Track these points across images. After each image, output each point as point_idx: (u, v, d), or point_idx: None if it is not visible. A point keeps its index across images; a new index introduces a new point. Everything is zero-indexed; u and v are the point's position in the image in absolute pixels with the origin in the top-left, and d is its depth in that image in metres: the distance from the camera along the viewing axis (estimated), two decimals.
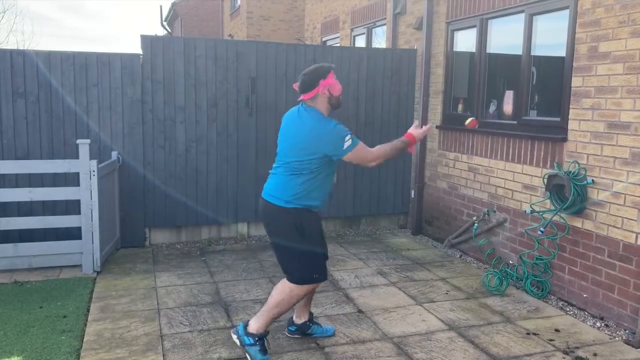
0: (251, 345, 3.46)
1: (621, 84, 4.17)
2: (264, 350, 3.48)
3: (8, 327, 4.00)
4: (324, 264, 3.55)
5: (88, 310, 4.35)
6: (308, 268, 3.47)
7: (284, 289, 3.47)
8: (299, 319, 3.90)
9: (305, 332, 3.91)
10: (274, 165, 3.57)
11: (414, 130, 3.70)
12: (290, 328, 3.94)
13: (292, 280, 3.47)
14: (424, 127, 3.75)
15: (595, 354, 3.78)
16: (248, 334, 3.49)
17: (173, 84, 6.08)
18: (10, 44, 22.78)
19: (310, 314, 3.95)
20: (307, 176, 3.39)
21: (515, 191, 5.34)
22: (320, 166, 3.40)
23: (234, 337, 3.56)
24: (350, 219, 7.15)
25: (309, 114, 3.42)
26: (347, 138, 3.32)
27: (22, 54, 5.64)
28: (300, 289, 3.47)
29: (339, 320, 4.25)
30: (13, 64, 5.57)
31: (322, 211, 3.71)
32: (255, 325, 3.49)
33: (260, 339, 3.49)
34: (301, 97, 3.47)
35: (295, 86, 3.53)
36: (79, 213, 5.16)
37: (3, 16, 29.66)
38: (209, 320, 4.21)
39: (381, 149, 3.52)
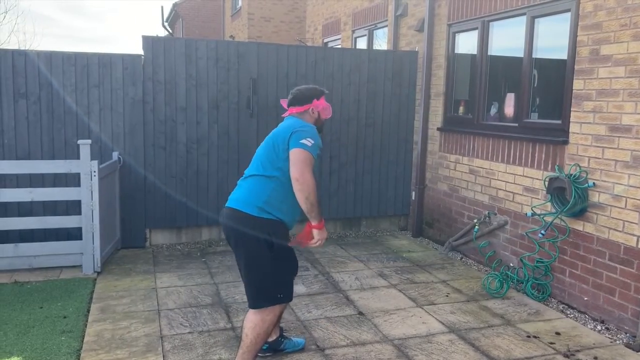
0: None
1: (623, 87, 4.17)
2: None
3: (8, 327, 4.00)
4: (290, 283, 3.30)
5: (88, 311, 4.34)
6: (272, 286, 3.18)
7: (256, 323, 3.18)
8: (270, 337, 3.61)
9: (277, 349, 3.69)
10: (244, 175, 3.34)
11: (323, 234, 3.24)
12: (262, 347, 3.44)
13: (255, 305, 3.18)
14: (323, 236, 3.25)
15: (595, 357, 3.77)
16: None
17: (174, 85, 6.09)
18: (12, 44, 22.80)
19: (280, 328, 3.73)
20: (277, 182, 3.16)
21: (516, 194, 5.34)
22: (285, 170, 3.14)
23: None
24: (351, 221, 7.15)
25: (294, 119, 3.33)
26: (310, 139, 3.10)
27: (24, 54, 5.64)
28: (270, 314, 3.19)
29: (340, 322, 4.25)
30: (15, 64, 5.57)
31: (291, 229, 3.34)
32: None
33: None
34: (288, 112, 3.38)
35: (283, 102, 3.45)
36: (80, 213, 5.16)
37: (5, 16, 29.62)
38: (209, 322, 4.21)
39: (315, 187, 3.10)
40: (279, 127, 3.33)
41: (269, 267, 3.17)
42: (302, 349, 3.78)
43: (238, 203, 3.22)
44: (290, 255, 3.30)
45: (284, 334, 3.81)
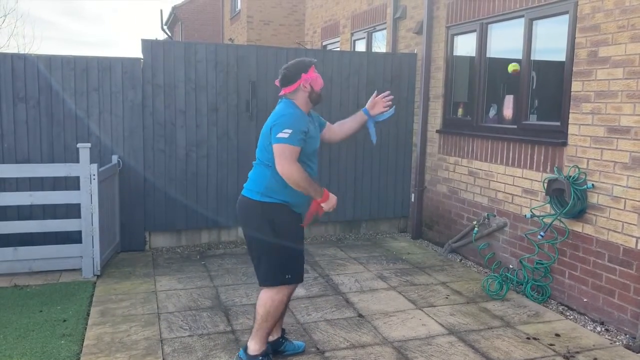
0: None
1: (621, 89, 4.18)
2: None
3: (8, 331, 4.00)
4: (298, 265, 3.40)
5: (88, 314, 4.34)
6: (279, 268, 3.31)
7: (265, 301, 3.34)
8: (272, 336, 3.63)
9: (277, 350, 3.69)
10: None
11: (333, 198, 3.40)
12: None
13: (263, 283, 3.36)
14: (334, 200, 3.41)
15: (595, 359, 3.77)
16: (250, 357, 3.41)
17: (174, 88, 6.10)
18: (12, 48, 22.84)
19: (282, 330, 3.77)
20: (274, 168, 3.25)
21: (516, 195, 5.35)
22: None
23: None
24: (350, 223, 7.15)
25: (284, 105, 3.36)
26: (287, 130, 3.14)
27: (23, 58, 5.65)
28: (279, 294, 3.33)
29: (339, 325, 4.25)
30: (14, 68, 5.58)
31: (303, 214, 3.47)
32: (253, 346, 3.41)
33: (264, 356, 3.42)
34: (282, 92, 3.42)
35: (277, 82, 3.47)
36: (79, 217, 5.16)
37: (4, 20, 29.69)
38: (209, 325, 4.21)
39: (303, 174, 3.20)
40: (272, 113, 3.39)
41: (275, 248, 3.30)
42: (302, 352, 3.78)
43: (245, 190, 3.41)
44: (297, 238, 3.40)
45: (285, 335, 3.81)
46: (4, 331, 3.99)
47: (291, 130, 3.16)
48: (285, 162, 3.16)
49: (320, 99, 3.48)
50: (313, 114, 3.59)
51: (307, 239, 6.82)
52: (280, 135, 3.16)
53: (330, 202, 3.36)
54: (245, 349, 3.45)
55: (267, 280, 3.34)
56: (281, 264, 3.33)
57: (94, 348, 3.77)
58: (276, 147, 3.18)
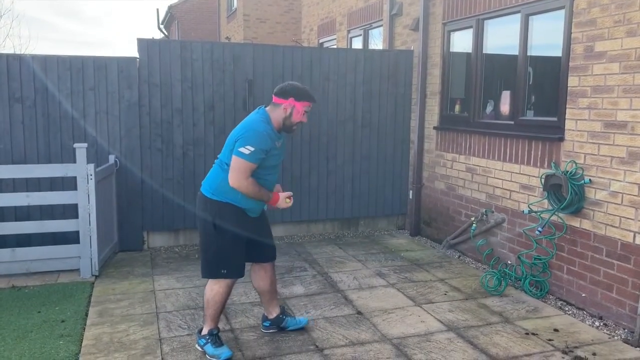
0: (204, 344, 3.66)
1: (617, 84, 4.18)
2: (216, 344, 3.63)
3: (6, 332, 3.99)
4: (235, 261, 3.59)
5: (86, 315, 4.34)
6: (215, 263, 3.56)
7: (207, 290, 3.64)
8: (271, 314, 4.00)
9: (280, 325, 4.00)
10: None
11: (281, 193, 3.67)
12: (264, 324, 4.03)
13: (202, 274, 3.66)
14: (287, 193, 3.68)
15: (594, 354, 3.78)
16: (200, 337, 3.71)
17: (170, 87, 6.08)
18: (7, 48, 22.74)
19: (281, 307, 4.04)
20: (226, 173, 3.46)
21: (513, 191, 5.35)
22: None
23: (197, 347, 3.74)
24: (349, 221, 7.15)
25: (257, 114, 3.53)
26: (249, 147, 3.33)
27: (19, 58, 5.63)
28: (217, 284, 3.59)
29: (338, 322, 4.25)
30: (9, 68, 5.56)
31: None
32: (204, 329, 3.71)
33: (211, 335, 3.66)
34: (273, 100, 3.57)
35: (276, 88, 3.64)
36: (77, 217, 5.15)
37: (0, 20, 29.57)
38: None
39: (250, 187, 3.43)
40: (245, 119, 3.57)
41: (214, 244, 3.54)
42: (303, 328, 4.05)
43: (204, 189, 3.63)
44: (237, 237, 3.56)
45: (285, 311, 4.09)
46: (2, 332, 3.98)
47: (253, 149, 3.35)
48: (238, 176, 3.39)
49: (291, 131, 3.64)
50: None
51: (305, 237, 6.82)
52: (242, 150, 3.35)
53: (281, 203, 3.63)
54: (199, 331, 3.75)
55: (205, 272, 3.65)
56: (219, 259, 3.56)
57: (92, 348, 3.77)
58: (234, 160, 3.38)
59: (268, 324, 4.01)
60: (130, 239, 6.12)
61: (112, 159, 5.88)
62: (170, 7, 24.32)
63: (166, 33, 25.79)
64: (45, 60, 5.67)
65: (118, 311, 4.41)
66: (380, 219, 7.28)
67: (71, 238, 5.30)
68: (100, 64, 5.83)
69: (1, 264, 5.09)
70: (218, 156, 3.63)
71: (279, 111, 3.51)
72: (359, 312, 4.46)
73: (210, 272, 3.61)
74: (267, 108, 3.58)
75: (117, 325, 4.15)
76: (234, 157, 3.37)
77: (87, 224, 5.13)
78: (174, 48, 6.10)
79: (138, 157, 6.03)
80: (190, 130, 6.19)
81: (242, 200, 3.51)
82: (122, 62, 5.90)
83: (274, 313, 3.99)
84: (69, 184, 5.46)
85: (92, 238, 5.16)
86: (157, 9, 24.24)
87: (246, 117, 3.60)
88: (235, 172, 3.38)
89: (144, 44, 6.01)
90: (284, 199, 3.63)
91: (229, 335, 4.00)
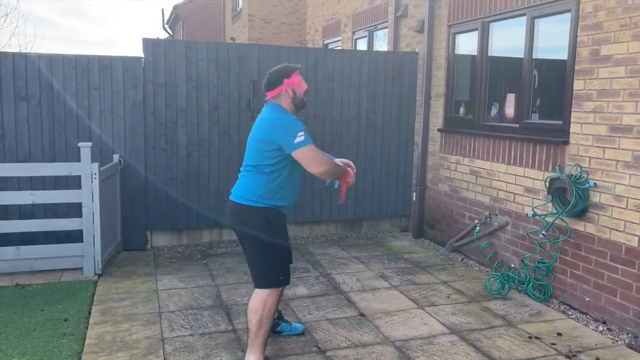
0: None
1: (623, 87, 4.17)
2: None
3: (9, 330, 4.00)
4: (288, 267, 3.49)
5: (89, 314, 4.34)
6: (275, 270, 3.40)
7: (257, 306, 3.37)
8: None
9: (275, 330, 3.91)
10: (241, 168, 3.53)
11: (347, 162, 3.63)
12: None
13: (259, 285, 3.40)
14: (352, 169, 3.62)
15: (597, 358, 3.76)
16: None
17: (175, 87, 6.09)
18: (13, 47, 22.84)
19: (279, 311, 3.96)
20: (269, 176, 3.34)
21: (517, 194, 5.33)
22: (280, 162, 3.32)
23: None
24: (352, 222, 7.15)
25: (271, 109, 3.42)
26: (300, 133, 3.23)
27: (24, 57, 5.65)
28: (271, 297, 3.37)
29: (341, 324, 4.24)
30: (15, 67, 5.58)
31: (289, 216, 3.65)
32: (253, 357, 3.41)
33: None
34: (267, 97, 3.48)
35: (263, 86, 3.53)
36: (81, 216, 5.16)
37: (5, 19, 29.72)
38: (210, 324, 4.20)
39: (332, 162, 3.40)
40: (259, 119, 3.45)
41: (271, 252, 3.39)
42: (301, 334, 3.95)
43: (236, 197, 3.46)
44: (287, 239, 3.49)
45: (283, 316, 4.00)
46: (6, 330, 3.99)
47: (302, 132, 3.25)
48: (317, 164, 3.29)
49: (305, 104, 3.53)
50: None
51: (309, 238, 6.82)
52: (297, 140, 3.22)
53: (352, 177, 3.57)
54: None
55: (262, 283, 3.39)
56: (279, 266, 3.41)
57: (95, 347, 3.77)
58: (300, 153, 3.24)
59: None
60: (133, 238, 6.13)
61: (116, 158, 5.89)
62: (176, 7, 24.36)
63: (171, 33, 25.84)
64: (51, 59, 5.68)
65: (121, 310, 4.42)
66: (383, 220, 7.27)
67: (75, 237, 5.32)
68: (106, 64, 5.84)
69: (5, 262, 5.10)
70: (244, 164, 3.47)
71: (283, 98, 3.42)
72: (362, 314, 4.45)
73: (269, 282, 3.38)
74: (272, 103, 3.47)
75: (120, 324, 4.15)
76: (296, 151, 3.23)
77: (90, 223, 5.14)
78: (179, 48, 6.11)
79: (142, 156, 6.04)
80: (194, 130, 6.20)
81: (284, 199, 3.41)
82: (127, 62, 5.92)
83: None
84: (73, 182, 5.47)
85: (95, 237, 5.17)
86: (162, 9, 24.27)
87: (261, 118, 3.43)
88: (312, 163, 3.26)
89: (149, 44, 6.02)
90: (352, 172, 3.57)
91: (232, 335, 4.00)
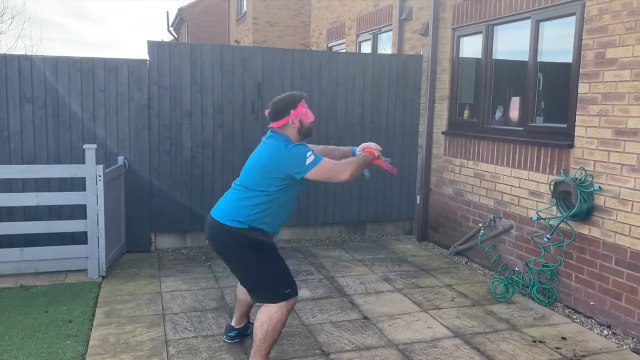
0: None
1: (628, 91, 4.16)
2: None
3: (14, 331, 4.01)
4: (291, 278, 3.41)
5: (93, 315, 4.35)
6: (275, 284, 3.31)
7: (263, 320, 3.27)
8: (239, 323, 3.90)
9: (244, 334, 3.91)
10: (233, 183, 3.48)
11: (366, 145, 3.59)
12: (230, 334, 3.90)
13: (264, 300, 3.31)
14: (372, 144, 3.60)
15: None
16: None
17: (179, 90, 6.11)
18: (19, 49, 22.97)
19: (248, 316, 3.95)
20: (264, 198, 3.28)
21: (522, 198, 5.32)
22: (279, 189, 3.28)
23: None
24: (355, 225, 7.14)
25: (275, 139, 3.34)
26: (308, 154, 3.20)
27: (30, 59, 5.68)
28: (278, 312, 3.27)
29: (344, 327, 4.24)
30: (21, 69, 5.60)
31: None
32: None
33: None
34: (270, 125, 3.40)
35: (266, 114, 3.44)
36: (85, 218, 5.17)
37: (12, 22, 29.88)
38: (214, 326, 4.20)
39: (349, 160, 3.35)
40: (263, 146, 3.38)
41: (267, 265, 3.33)
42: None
43: (222, 216, 3.36)
44: (278, 255, 3.45)
45: (250, 320, 3.91)
46: (10, 331, 4.00)
47: (309, 152, 3.22)
48: (339, 172, 3.25)
49: (311, 133, 3.47)
50: None
51: (312, 241, 6.82)
52: (308, 161, 3.19)
53: (374, 149, 3.53)
54: None
55: (268, 298, 3.31)
56: (278, 278, 3.34)
57: (99, 349, 3.78)
58: (316, 172, 3.20)
59: (234, 334, 3.89)
60: (137, 240, 6.14)
61: (121, 160, 5.90)
62: (180, 10, 24.45)
63: (176, 36, 25.93)
64: (57, 62, 5.71)
65: (125, 312, 4.43)
66: (387, 223, 7.26)
67: (79, 238, 5.33)
68: (111, 66, 5.86)
69: (10, 264, 5.12)
70: (238, 182, 3.42)
71: (290, 129, 3.35)
72: (365, 317, 4.45)
73: (275, 296, 3.28)
74: (273, 132, 3.39)
75: (124, 326, 4.16)
76: (312, 171, 3.18)
77: (95, 224, 5.15)
78: (184, 51, 6.13)
79: (147, 158, 6.05)
80: (198, 133, 6.21)
81: (273, 223, 3.38)
82: (132, 64, 5.94)
83: (242, 323, 3.90)
84: (77, 184, 5.48)
85: (99, 239, 5.18)
86: (167, 12, 24.45)
87: (266, 144, 3.36)
88: (331, 172, 3.23)
89: (154, 46, 6.04)
90: (372, 147, 3.52)
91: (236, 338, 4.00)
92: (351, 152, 3.67)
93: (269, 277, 3.32)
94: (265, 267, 3.33)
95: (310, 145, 3.49)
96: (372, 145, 3.57)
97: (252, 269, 3.34)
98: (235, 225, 3.29)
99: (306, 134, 3.43)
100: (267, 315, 3.28)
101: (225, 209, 3.37)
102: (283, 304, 3.29)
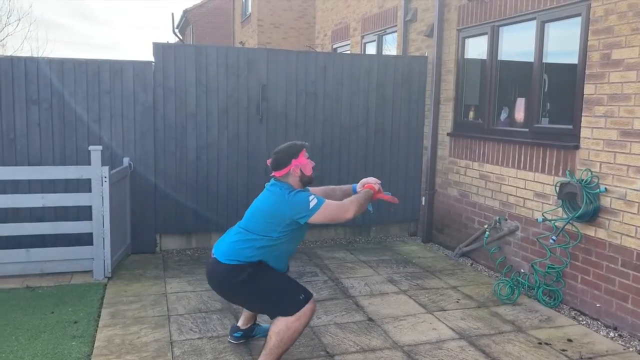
0: None
1: (634, 92, 4.14)
2: None
3: (19, 332, 4.03)
4: (299, 285, 3.46)
5: (99, 316, 4.36)
6: (287, 297, 3.33)
7: (280, 328, 3.27)
8: (245, 324, 3.92)
9: (250, 335, 3.94)
10: (236, 225, 3.56)
11: (365, 180, 3.68)
12: (236, 334, 3.93)
13: (285, 314, 3.29)
14: (372, 179, 3.71)
15: None
16: None
17: (184, 91, 6.12)
18: (25, 51, 23.08)
19: (255, 317, 3.98)
20: (266, 242, 3.37)
21: (527, 199, 5.31)
22: (282, 235, 3.37)
23: None
24: (360, 226, 7.13)
25: (278, 187, 3.43)
26: (311, 198, 3.31)
27: (36, 61, 5.71)
28: (297, 322, 3.27)
29: (349, 329, 4.24)
30: (27, 71, 5.63)
31: None
32: None
33: None
34: (273, 174, 3.49)
35: (269, 163, 3.54)
36: (91, 219, 5.19)
37: (18, 24, 30.04)
38: (219, 327, 4.21)
39: (351, 199, 3.44)
40: (267, 193, 3.48)
41: (270, 283, 3.38)
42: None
43: (222, 255, 3.45)
44: (274, 271, 3.47)
45: (255, 320, 3.98)
46: (16, 332, 4.02)
47: (312, 196, 3.33)
48: (342, 212, 3.34)
49: (312, 181, 3.55)
50: None
51: (317, 242, 6.82)
52: (312, 204, 3.29)
53: (375, 184, 3.63)
54: None
55: (286, 311, 3.30)
56: (287, 291, 3.37)
57: (104, 350, 3.79)
58: (320, 215, 3.29)
59: (240, 335, 3.92)
60: (142, 241, 6.15)
61: (126, 161, 5.92)
62: (185, 12, 24.53)
63: (181, 37, 25.99)
64: (62, 64, 5.73)
65: (130, 313, 4.44)
66: (392, 225, 7.25)
67: (85, 240, 5.35)
68: (116, 68, 5.88)
69: (16, 264, 5.14)
70: (242, 226, 3.49)
71: (291, 177, 3.46)
72: (370, 319, 4.44)
73: (291, 307, 3.28)
74: (276, 181, 3.49)
75: (129, 327, 4.17)
76: (316, 214, 3.28)
77: (100, 226, 5.17)
78: (189, 52, 6.14)
79: (152, 160, 6.07)
80: (203, 135, 6.23)
81: (274, 264, 3.46)
82: (138, 66, 5.95)
83: (248, 324, 3.92)
84: (83, 186, 5.50)
85: (105, 240, 5.19)
86: (172, 14, 24.48)
87: (271, 191, 3.45)
88: (335, 213, 3.32)
89: (159, 48, 6.05)
90: (371, 184, 3.61)
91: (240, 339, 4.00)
92: (352, 189, 3.75)
93: (279, 295, 3.36)
94: (271, 288, 3.38)
95: (311, 189, 3.62)
96: (371, 180, 3.68)
97: (258, 296, 3.40)
98: (235, 263, 3.38)
99: (307, 182, 3.54)
100: (284, 323, 3.27)
101: (226, 249, 3.46)
102: (302, 314, 3.29)
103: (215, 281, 3.52)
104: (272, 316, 3.39)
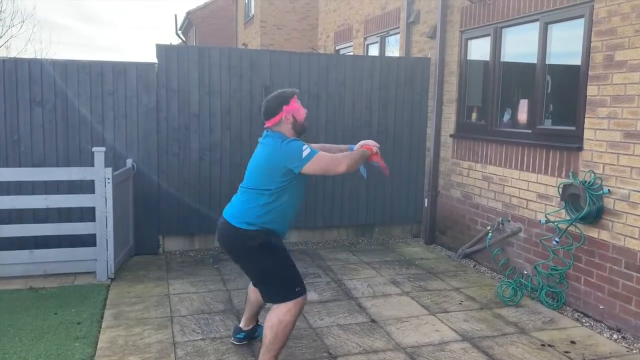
0: None
1: (638, 93, 4.13)
2: None
3: (23, 332, 4.04)
4: (301, 278, 3.42)
5: (102, 317, 4.37)
6: (286, 282, 3.33)
7: (272, 322, 3.29)
8: (248, 325, 3.92)
9: (252, 336, 3.92)
10: (239, 186, 3.53)
11: (364, 142, 3.61)
12: (238, 336, 3.92)
13: (274, 300, 3.34)
14: (371, 141, 3.63)
15: None
16: None
17: (187, 93, 6.13)
18: (29, 53, 23.17)
19: (257, 319, 3.96)
20: (267, 197, 3.32)
21: (530, 201, 5.30)
22: (281, 186, 3.31)
23: None
24: (363, 228, 7.13)
25: (270, 137, 3.39)
26: (304, 147, 3.25)
27: (40, 63, 5.73)
28: (289, 314, 3.28)
29: (352, 330, 4.23)
30: (31, 73, 5.65)
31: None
32: None
33: None
34: (265, 125, 3.45)
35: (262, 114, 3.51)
36: (94, 220, 5.20)
37: (22, 25, 30.11)
38: (222, 328, 4.21)
39: (346, 154, 3.40)
40: (261, 146, 3.45)
41: (276, 265, 3.35)
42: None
43: (232, 217, 3.41)
44: (287, 255, 3.44)
45: (258, 321, 3.96)
46: (19, 333, 4.03)
47: (305, 146, 3.27)
48: (335, 165, 3.29)
49: (305, 129, 3.50)
50: None
51: (320, 243, 6.82)
52: (304, 154, 3.23)
53: (372, 146, 3.55)
54: None
55: (279, 298, 3.32)
56: (288, 277, 3.36)
57: (107, 351, 3.79)
58: (312, 165, 3.23)
59: (242, 336, 3.91)
60: (146, 242, 6.16)
61: (129, 163, 5.93)
62: (189, 13, 24.57)
63: (184, 39, 26.05)
64: (66, 66, 5.75)
65: (133, 314, 4.44)
66: (395, 226, 7.25)
67: (88, 241, 5.36)
68: (120, 69, 5.89)
69: (19, 265, 5.15)
70: (243, 185, 3.47)
71: (283, 125, 3.39)
72: (373, 320, 4.44)
73: (285, 295, 3.29)
74: (272, 131, 3.43)
75: (132, 328, 4.18)
76: (308, 164, 3.22)
77: (103, 227, 5.18)
78: (192, 54, 6.16)
79: (155, 161, 6.08)
80: (206, 136, 6.23)
81: (281, 222, 3.41)
82: (141, 68, 5.97)
83: (250, 325, 3.91)
84: (86, 187, 5.51)
85: (108, 241, 5.20)
86: (176, 15, 24.59)
87: (263, 143, 3.43)
88: (328, 164, 3.27)
89: (163, 50, 6.07)
90: (368, 144, 3.55)
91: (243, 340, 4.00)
92: (349, 150, 3.70)
93: (279, 277, 3.35)
94: (275, 267, 3.36)
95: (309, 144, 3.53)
96: (370, 142, 3.61)
97: (262, 269, 3.39)
98: (244, 227, 3.34)
99: (300, 130, 3.47)
100: (276, 317, 3.29)
101: (235, 211, 3.43)
102: (292, 306, 3.30)
103: (227, 243, 3.47)
104: (265, 294, 3.42)
